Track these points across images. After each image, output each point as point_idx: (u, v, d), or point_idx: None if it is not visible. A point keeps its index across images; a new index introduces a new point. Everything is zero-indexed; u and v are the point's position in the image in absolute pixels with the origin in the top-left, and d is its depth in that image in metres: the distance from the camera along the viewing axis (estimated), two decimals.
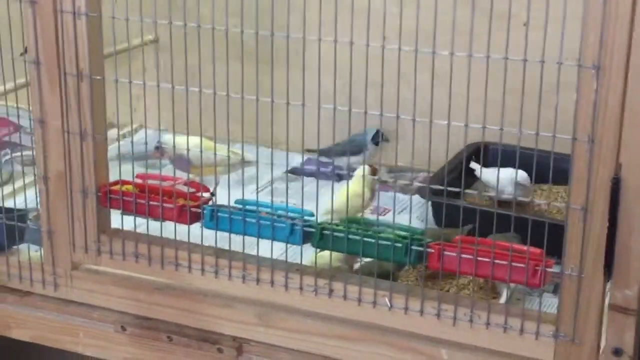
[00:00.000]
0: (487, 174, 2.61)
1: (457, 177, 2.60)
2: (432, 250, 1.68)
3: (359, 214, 2.37)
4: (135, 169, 1.91)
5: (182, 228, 1.88)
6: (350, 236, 1.73)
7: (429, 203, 2.48)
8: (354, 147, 2.72)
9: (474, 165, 2.63)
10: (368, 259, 1.99)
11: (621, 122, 1.47)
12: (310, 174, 2.82)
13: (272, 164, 1.80)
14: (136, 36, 2.20)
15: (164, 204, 1.85)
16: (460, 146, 2.25)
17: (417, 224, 2.48)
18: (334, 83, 1.64)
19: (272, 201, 1.83)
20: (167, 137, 1.95)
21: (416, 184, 2.50)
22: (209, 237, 1.84)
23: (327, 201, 2.12)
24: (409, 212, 2.59)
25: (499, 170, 2.12)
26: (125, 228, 1.98)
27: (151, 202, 1.86)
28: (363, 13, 1.59)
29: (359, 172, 2.45)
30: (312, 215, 1.81)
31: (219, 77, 1.72)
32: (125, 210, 1.90)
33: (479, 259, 1.64)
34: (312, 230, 1.77)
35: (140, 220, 1.99)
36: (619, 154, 1.49)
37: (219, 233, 1.85)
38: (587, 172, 1.51)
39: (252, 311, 1.85)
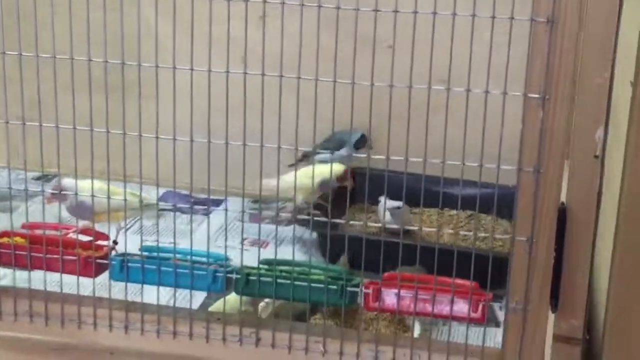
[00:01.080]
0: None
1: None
2: (369, 291, 1.61)
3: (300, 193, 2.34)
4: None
5: (71, 279, 1.70)
6: (280, 280, 1.63)
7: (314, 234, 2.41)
8: (334, 143, 2.58)
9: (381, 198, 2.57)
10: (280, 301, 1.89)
11: (567, 152, 1.46)
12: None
13: (158, 203, 1.67)
14: None
15: (65, 256, 1.68)
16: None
17: (301, 256, 2.41)
18: (190, 112, 1.54)
19: (174, 245, 1.70)
20: (67, 181, 1.76)
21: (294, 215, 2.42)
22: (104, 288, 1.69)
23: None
24: (290, 244, 2.51)
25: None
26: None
27: (49, 256, 1.68)
28: (222, 40, 1.52)
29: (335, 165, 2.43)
30: (224, 259, 1.70)
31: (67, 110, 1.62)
32: (18, 265, 1.71)
33: (420, 296, 1.58)
34: (236, 276, 1.65)
35: (21, 275, 1.81)
36: (564, 184, 1.48)
37: (118, 284, 1.70)
38: (532, 202, 1.49)
39: None
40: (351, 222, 2.28)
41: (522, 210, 1.50)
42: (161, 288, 1.68)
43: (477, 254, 1.53)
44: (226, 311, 1.76)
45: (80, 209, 1.73)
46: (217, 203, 2.69)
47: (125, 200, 1.66)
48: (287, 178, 2.38)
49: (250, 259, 1.68)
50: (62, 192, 1.76)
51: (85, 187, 1.74)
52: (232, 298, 1.90)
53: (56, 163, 1.62)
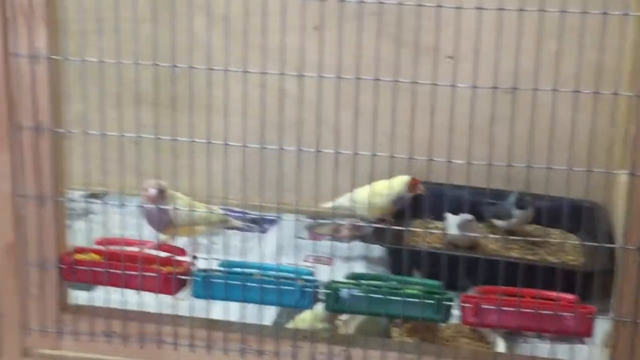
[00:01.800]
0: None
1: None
2: (468, 305, 1.52)
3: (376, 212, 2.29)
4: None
5: (144, 298, 1.63)
6: (372, 295, 1.55)
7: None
8: (499, 212, 2.51)
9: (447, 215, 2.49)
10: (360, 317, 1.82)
11: None
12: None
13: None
14: None
15: (145, 273, 1.60)
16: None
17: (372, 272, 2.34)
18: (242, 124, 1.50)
19: (261, 261, 1.62)
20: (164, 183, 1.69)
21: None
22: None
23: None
24: (356, 261, 2.45)
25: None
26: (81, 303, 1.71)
27: (128, 272, 1.61)
28: (275, 51, 1.46)
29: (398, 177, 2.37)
30: (310, 274, 1.62)
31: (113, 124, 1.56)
32: (94, 283, 1.64)
33: (522, 310, 1.50)
34: (325, 291, 1.58)
35: (96, 295, 1.74)
36: None
37: (196, 302, 1.63)
38: None
39: None
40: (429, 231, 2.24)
41: (633, 218, 1.43)
42: (229, 305, 1.60)
43: (564, 269, 1.46)
44: (301, 328, 1.68)
45: (160, 218, 1.65)
46: (271, 221, 2.63)
47: (211, 212, 1.59)
48: (357, 197, 2.32)
49: (320, 277, 1.61)
50: (161, 191, 1.68)
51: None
52: (308, 315, 1.83)
53: (100, 181, 1.55)
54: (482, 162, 1.45)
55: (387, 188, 2.32)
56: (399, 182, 2.38)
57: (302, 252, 2.52)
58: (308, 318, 1.83)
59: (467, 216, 2.34)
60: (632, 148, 1.40)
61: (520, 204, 2.42)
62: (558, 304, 1.49)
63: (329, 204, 1.73)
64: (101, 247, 1.66)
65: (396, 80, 1.44)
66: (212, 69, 1.48)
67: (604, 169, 1.44)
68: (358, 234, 2.65)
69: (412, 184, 2.38)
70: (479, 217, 2.49)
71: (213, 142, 1.52)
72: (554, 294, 1.52)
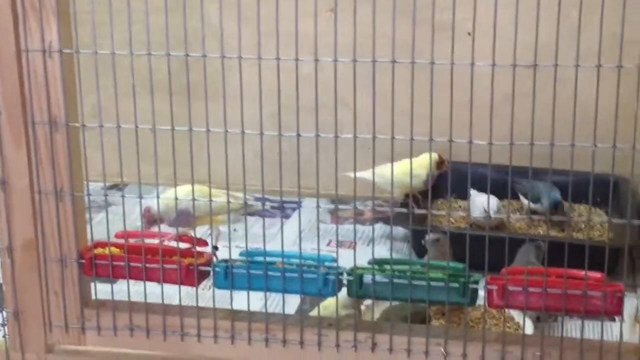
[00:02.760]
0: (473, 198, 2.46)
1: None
2: (494, 287, 1.50)
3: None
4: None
5: (167, 290, 1.62)
6: (397, 281, 1.53)
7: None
8: (531, 194, 2.47)
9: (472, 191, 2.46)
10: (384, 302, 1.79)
11: None
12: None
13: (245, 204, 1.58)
14: None
15: (166, 265, 1.59)
16: None
17: (395, 256, 2.32)
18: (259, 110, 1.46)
19: (282, 249, 1.59)
20: (152, 206, 1.65)
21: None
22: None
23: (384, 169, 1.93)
24: (381, 245, 2.43)
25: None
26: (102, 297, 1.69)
27: (149, 265, 1.59)
28: (289, 35, 1.43)
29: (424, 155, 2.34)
30: (333, 260, 1.60)
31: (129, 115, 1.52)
32: (115, 277, 1.62)
33: (549, 290, 1.47)
34: (348, 278, 1.55)
35: (117, 287, 1.72)
36: None
37: (217, 292, 1.61)
38: None
39: None
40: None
41: None
42: (252, 294, 1.58)
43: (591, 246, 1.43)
44: (325, 316, 1.66)
45: (181, 219, 1.63)
46: (294, 207, 2.61)
47: (228, 202, 1.57)
48: (383, 172, 2.27)
49: (343, 261, 1.59)
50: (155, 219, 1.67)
51: (182, 194, 1.66)
52: (331, 302, 1.81)
53: (119, 172, 1.53)
54: (504, 142, 1.41)
55: (418, 167, 2.29)
56: (428, 161, 2.33)
57: (325, 237, 2.50)
58: (332, 305, 1.81)
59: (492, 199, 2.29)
60: None
61: (554, 205, 2.37)
62: (586, 283, 1.46)
63: (350, 174, 1.71)
64: (121, 241, 1.65)
65: (413, 61, 1.41)
66: (225, 57, 1.46)
67: (630, 142, 1.40)
68: (380, 217, 2.62)
69: (440, 162, 2.35)
70: (504, 195, 2.46)
71: (230, 130, 1.50)
72: (581, 272, 1.49)
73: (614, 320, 1.94)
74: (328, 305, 1.84)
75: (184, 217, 1.62)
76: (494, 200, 2.30)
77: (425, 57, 1.39)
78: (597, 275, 1.49)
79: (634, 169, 1.43)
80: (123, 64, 1.51)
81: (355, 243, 1.70)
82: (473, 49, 1.39)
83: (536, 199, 2.42)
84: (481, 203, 2.32)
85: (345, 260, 1.59)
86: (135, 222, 1.78)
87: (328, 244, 2.44)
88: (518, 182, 2.48)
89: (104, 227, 1.64)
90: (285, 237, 1.63)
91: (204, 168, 1.51)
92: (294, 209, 2.66)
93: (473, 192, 2.41)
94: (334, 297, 1.67)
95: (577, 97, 1.40)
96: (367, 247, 2.32)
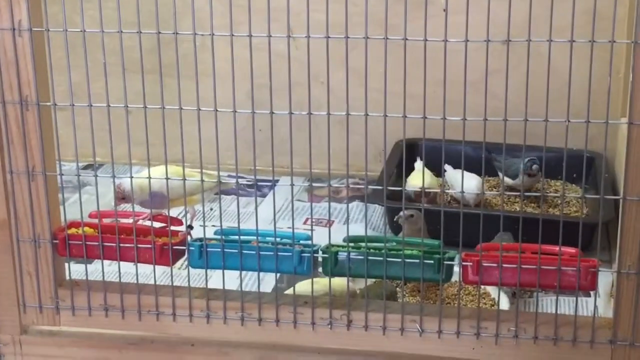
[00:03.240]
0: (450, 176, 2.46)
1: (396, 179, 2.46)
2: (469, 263, 1.50)
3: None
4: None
5: (142, 270, 1.62)
6: (371, 257, 1.53)
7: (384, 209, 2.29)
8: (507, 170, 2.46)
9: (447, 167, 2.45)
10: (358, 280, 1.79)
11: None
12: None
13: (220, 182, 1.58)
14: None
15: (140, 245, 1.58)
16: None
17: (371, 233, 2.31)
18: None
19: (257, 227, 1.59)
20: (125, 181, 1.63)
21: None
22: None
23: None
24: (355, 223, 2.42)
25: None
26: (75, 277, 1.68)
27: (123, 244, 1.58)
28: (262, 11, 1.42)
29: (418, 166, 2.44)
30: (308, 238, 1.59)
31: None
32: (89, 257, 1.61)
33: (524, 266, 1.48)
34: (323, 256, 1.55)
35: (92, 268, 1.72)
36: None
37: (193, 271, 1.61)
38: None
39: (252, 356, 1.61)
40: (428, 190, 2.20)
41: (632, 168, 1.40)
42: (226, 273, 1.58)
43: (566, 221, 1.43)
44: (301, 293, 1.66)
45: (155, 200, 1.62)
46: (270, 185, 2.60)
47: (202, 181, 1.56)
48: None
49: (320, 239, 1.58)
50: (125, 196, 1.65)
51: (157, 175, 1.65)
52: (307, 280, 1.81)
53: (92, 152, 1.52)
54: (478, 119, 1.41)
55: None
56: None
57: (302, 215, 2.50)
58: (307, 283, 1.81)
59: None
60: (630, 97, 1.36)
61: (530, 172, 2.37)
62: (560, 258, 1.47)
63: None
64: (95, 221, 1.64)
65: (386, 37, 1.40)
66: (197, 34, 1.45)
67: (604, 118, 1.40)
68: (357, 195, 2.62)
69: None
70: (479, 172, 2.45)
71: (202, 109, 1.48)
72: (556, 248, 1.49)
73: (589, 295, 1.94)
74: (303, 283, 1.83)
75: (158, 199, 1.61)
76: (478, 179, 2.29)
77: (400, 34, 1.38)
78: (571, 250, 1.50)
79: (608, 144, 1.43)
80: (97, 42, 1.49)
81: (332, 221, 1.69)
82: (446, 26, 1.38)
83: (514, 176, 2.42)
84: (466, 182, 2.31)
85: (322, 238, 1.59)
86: (110, 203, 1.76)
87: (305, 222, 2.44)
88: (496, 159, 2.48)
89: (78, 207, 1.63)
90: (262, 216, 1.63)
91: (179, 148, 1.50)
92: (270, 188, 2.65)
93: (448, 169, 2.40)
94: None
95: (551, 73, 1.39)
96: (344, 226, 2.31)
